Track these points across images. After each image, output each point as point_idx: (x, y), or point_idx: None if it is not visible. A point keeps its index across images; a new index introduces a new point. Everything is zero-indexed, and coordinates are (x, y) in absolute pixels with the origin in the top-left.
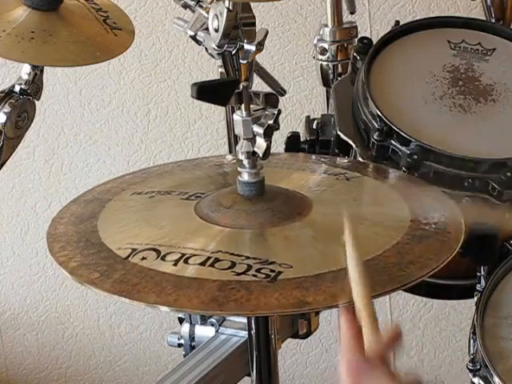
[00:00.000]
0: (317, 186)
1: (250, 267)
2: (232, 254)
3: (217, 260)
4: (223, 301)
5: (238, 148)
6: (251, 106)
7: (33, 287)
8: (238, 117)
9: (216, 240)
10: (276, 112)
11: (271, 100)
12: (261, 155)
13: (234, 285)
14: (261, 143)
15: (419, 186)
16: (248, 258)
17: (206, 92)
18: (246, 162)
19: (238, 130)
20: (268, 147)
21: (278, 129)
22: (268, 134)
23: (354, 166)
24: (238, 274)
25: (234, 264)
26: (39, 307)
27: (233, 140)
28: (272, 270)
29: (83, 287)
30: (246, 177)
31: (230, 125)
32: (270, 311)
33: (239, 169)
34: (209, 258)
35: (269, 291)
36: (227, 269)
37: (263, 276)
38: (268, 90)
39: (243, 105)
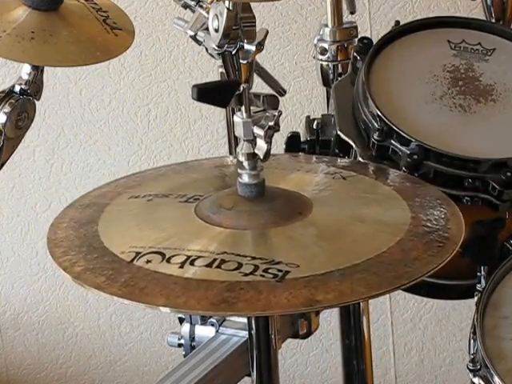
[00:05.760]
0: (315, 186)
1: (256, 267)
2: (237, 254)
3: (223, 261)
4: (233, 301)
5: (238, 150)
6: (251, 107)
7: (33, 287)
8: (239, 118)
9: (220, 241)
10: (276, 114)
11: (272, 102)
12: (261, 157)
13: (243, 285)
14: (261, 145)
15: (419, 185)
16: (254, 258)
17: (206, 94)
18: (246, 163)
19: (239, 131)
20: (268, 149)
21: (278, 130)
22: (268, 136)
23: (348, 166)
24: (246, 275)
25: (240, 265)
26: (39, 307)
27: (233, 140)
28: (279, 270)
29: (83, 287)
30: (246, 178)
31: (230, 125)
32: (281, 310)
33: (239, 170)
34: (215, 259)
35: (278, 291)
36: (234, 270)
37: (271, 276)
38: (268, 90)
39: (243, 106)
